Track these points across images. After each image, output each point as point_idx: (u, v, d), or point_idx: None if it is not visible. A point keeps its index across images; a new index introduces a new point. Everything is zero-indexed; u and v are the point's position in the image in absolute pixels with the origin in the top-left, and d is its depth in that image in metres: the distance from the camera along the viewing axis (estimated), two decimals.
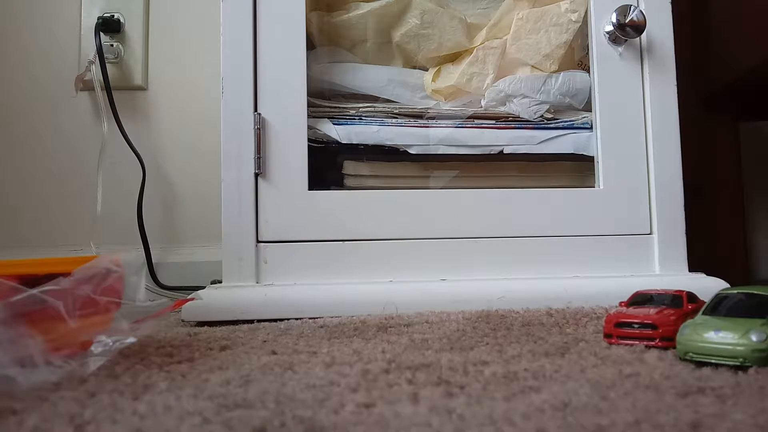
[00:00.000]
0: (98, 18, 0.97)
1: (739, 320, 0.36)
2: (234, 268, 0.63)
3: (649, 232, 0.69)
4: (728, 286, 0.61)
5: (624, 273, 0.68)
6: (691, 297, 0.45)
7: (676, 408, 0.28)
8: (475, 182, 0.73)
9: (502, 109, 0.73)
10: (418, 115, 0.72)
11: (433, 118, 0.72)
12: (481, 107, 0.73)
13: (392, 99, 0.73)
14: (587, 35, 0.72)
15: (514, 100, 0.73)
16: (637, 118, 0.70)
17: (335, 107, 0.71)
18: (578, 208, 0.69)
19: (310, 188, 0.66)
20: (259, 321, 0.59)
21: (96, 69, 0.96)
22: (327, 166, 0.71)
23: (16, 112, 0.99)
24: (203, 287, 0.65)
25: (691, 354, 0.36)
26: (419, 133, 0.71)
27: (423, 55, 0.75)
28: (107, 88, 0.96)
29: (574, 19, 0.73)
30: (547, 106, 0.73)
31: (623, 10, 0.68)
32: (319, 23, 0.75)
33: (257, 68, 0.66)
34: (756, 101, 0.96)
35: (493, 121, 0.73)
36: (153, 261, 0.95)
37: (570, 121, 0.73)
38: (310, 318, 0.59)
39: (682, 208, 0.69)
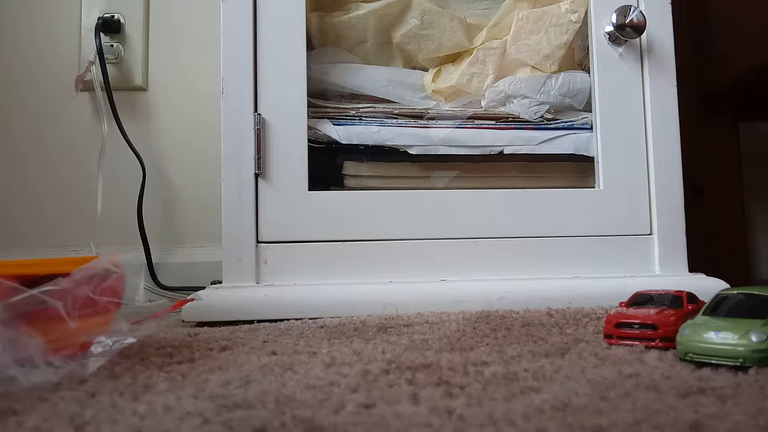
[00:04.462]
0: (98, 18, 0.97)
1: (739, 321, 0.36)
2: (234, 269, 0.63)
3: (649, 233, 0.69)
4: (728, 286, 0.61)
5: (624, 273, 0.68)
6: (691, 297, 0.45)
7: (676, 408, 0.28)
8: (476, 183, 0.73)
9: (502, 110, 0.73)
10: (418, 116, 0.72)
11: (433, 118, 0.72)
12: (481, 108, 0.73)
13: (392, 99, 0.73)
14: (587, 36, 0.72)
15: (515, 101, 0.73)
16: (637, 118, 0.70)
17: (335, 107, 0.71)
18: (578, 208, 0.69)
19: (310, 188, 0.66)
20: (259, 321, 0.59)
21: (96, 69, 0.96)
22: (327, 166, 0.71)
23: (16, 112, 0.99)
24: (203, 287, 0.65)
25: (691, 354, 0.36)
26: (419, 134, 0.71)
27: (423, 55, 0.75)
28: (107, 88, 0.96)
29: (574, 20, 0.73)
30: (547, 107, 0.73)
31: (623, 11, 0.68)
32: (319, 23, 0.75)
33: (257, 68, 0.66)
34: (756, 101, 0.96)
35: (493, 122, 0.73)
36: (153, 261, 0.95)
37: (570, 121, 0.73)
38: (310, 318, 0.59)
39: (682, 208, 0.69)
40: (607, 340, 0.43)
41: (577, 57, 0.78)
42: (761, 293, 0.39)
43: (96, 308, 0.38)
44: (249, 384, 0.34)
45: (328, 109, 0.71)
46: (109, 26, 0.98)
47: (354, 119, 0.70)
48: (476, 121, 0.72)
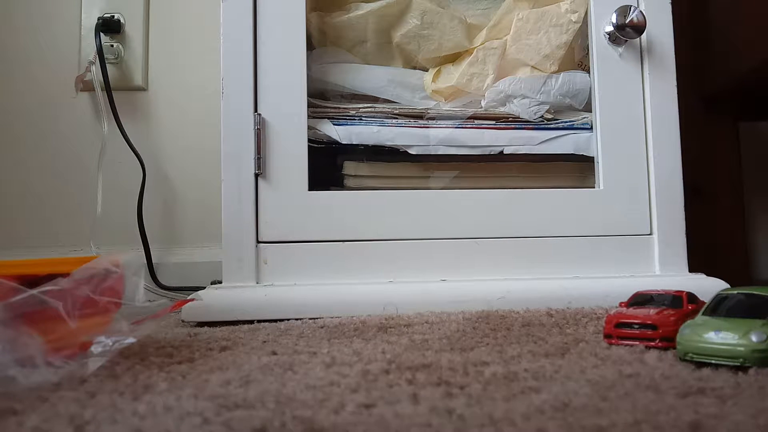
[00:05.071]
0: (98, 18, 0.97)
1: (739, 321, 0.36)
2: (234, 269, 0.63)
3: (649, 233, 0.69)
4: (728, 286, 0.61)
5: (624, 273, 0.68)
6: (692, 297, 0.45)
7: (676, 408, 0.28)
8: (476, 183, 0.73)
9: (502, 110, 0.73)
10: (418, 116, 0.72)
11: (433, 118, 0.72)
12: (481, 108, 0.73)
13: (392, 99, 0.73)
14: (587, 36, 0.72)
15: (515, 101, 0.73)
16: (637, 118, 0.70)
17: (335, 107, 0.71)
18: (578, 208, 0.69)
19: (311, 188, 0.66)
20: (259, 321, 0.59)
21: (96, 69, 0.96)
22: (327, 166, 0.71)
23: (17, 112, 0.99)
24: (203, 287, 0.65)
25: (691, 354, 0.36)
26: (419, 134, 0.71)
27: (423, 55, 0.75)
28: (107, 88, 0.96)
29: (574, 20, 0.73)
30: (547, 107, 0.73)
31: (623, 11, 0.68)
32: (319, 23, 0.75)
33: (257, 68, 0.66)
34: (756, 101, 0.96)
35: (493, 122, 0.73)
36: (153, 261, 0.95)
37: (570, 121, 0.73)
38: (310, 318, 0.59)
39: (682, 208, 0.69)
40: (607, 340, 0.43)
41: (577, 57, 0.78)
42: (761, 293, 0.39)
43: (96, 308, 0.38)
44: (249, 384, 0.34)
45: (328, 109, 0.71)
46: (109, 26, 0.98)
47: (354, 119, 0.70)
48: (476, 121, 0.72)
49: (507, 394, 0.31)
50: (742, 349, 0.34)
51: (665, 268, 0.68)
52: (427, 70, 0.76)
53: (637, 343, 0.42)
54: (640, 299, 0.46)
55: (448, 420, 0.27)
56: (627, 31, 0.68)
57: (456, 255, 0.66)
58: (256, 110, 0.65)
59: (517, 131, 0.72)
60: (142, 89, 1.01)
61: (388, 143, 0.70)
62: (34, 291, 0.35)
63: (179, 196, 1.00)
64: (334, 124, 0.69)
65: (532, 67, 0.75)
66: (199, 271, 0.94)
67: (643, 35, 0.69)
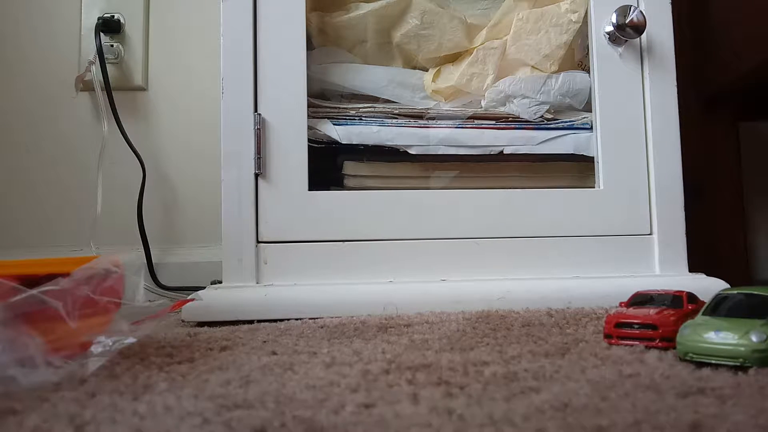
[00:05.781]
0: (98, 18, 0.97)
1: (740, 321, 0.36)
2: (234, 269, 0.63)
3: (649, 233, 0.69)
4: (728, 286, 0.61)
5: (624, 273, 0.68)
6: (691, 297, 0.45)
7: (676, 408, 0.28)
8: (475, 183, 0.73)
9: (502, 110, 0.73)
10: (418, 116, 0.72)
11: (433, 118, 0.72)
12: (481, 108, 0.73)
13: (392, 99, 0.73)
14: (587, 36, 0.72)
15: (515, 101, 0.73)
16: (637, 118, 0.70)
17: (335, 107, 0.71)
18: (578, 208, 0.69)
19: (310, 188, 0.66)
20: (259, 321, 0.59)
21: (96, 69, 0.96)
22: (327, 166, 0.71)
23: (16, 112, 0.99)
24: (203, 287, 0.65)
25: (691, 354, 0.36)
26: (419, 134, 0.71)
27: (423, 55, 0.75)
28: (107, 88, 0.96)
29: (574, 20, 0.73)
30: (547, 107, 0.73)
31: (623, 11, 0.68)
32: (319, 23, 0.75)
33: (257, 68, 0.66)
34: (756, 101, 0.96)
35: (493, 122, 0.73)
36: (153, 261, 0.95)
37: (570, 121, 0.73)
38: (310, 318, 0.59)
39: (682, 209, 0.69)
40: (607, 340, 0.44)
41: (577, 57, 0.78)
42: (761, 293, 0.39)
43: (96, 308, 0.38)
44: (249, 384, 0.34)
45: (328, 109, 0.71)
46: (109, 26, 0.98)
47: (354, 119, 0.70)
48: (476, 121, 0.72)
49: (507, 394, 0.31)
50: (742, 349, 0.34)
51: (665, 268, 0.68)
52: (427, 70, 0.76)
53: (637, 343, 0.42)
54: (640, 299, 0.46)
55: (448, 420, 0.27)
56: (627, 31, 0.68)
57: (456, 255, 0.66)
58: (256, 110, 0.65)
59: (517, 131, 0.72)
60: (142, 89, 1.01)
61: (388, 143, 0.70)
62: (34, 291, 0.35)
63: (179, 196, 1.00)
64: (334, 124, 0.69)
65: (532, 67, 0.75)
66: (199, 271, 0.94)
67: (643, 35, 0.69)
